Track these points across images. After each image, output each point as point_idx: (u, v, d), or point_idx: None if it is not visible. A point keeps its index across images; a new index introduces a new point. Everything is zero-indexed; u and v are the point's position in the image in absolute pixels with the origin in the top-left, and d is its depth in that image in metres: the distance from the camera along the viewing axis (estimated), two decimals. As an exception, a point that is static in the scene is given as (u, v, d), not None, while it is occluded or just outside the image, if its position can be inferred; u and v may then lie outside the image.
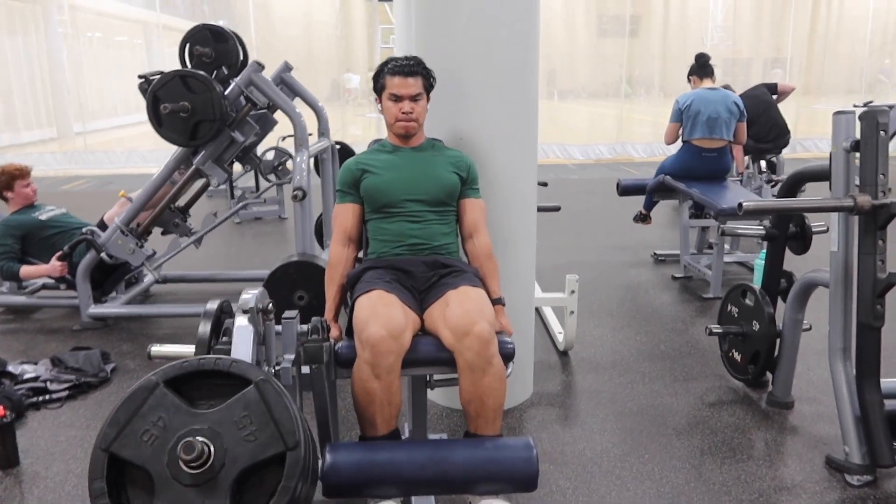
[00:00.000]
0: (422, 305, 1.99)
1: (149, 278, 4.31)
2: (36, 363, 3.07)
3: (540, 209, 4.00)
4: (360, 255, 2.28)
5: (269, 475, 1.25)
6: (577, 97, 11.64)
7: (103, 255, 3.59)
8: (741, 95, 5.50)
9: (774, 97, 5.57)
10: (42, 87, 12.37)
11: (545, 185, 4.68)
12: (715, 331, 2.89)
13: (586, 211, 6.54)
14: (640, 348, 3.33)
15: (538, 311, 3.77)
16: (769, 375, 2.77)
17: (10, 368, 3.00)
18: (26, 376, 2.95)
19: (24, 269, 3.69)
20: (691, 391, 2.88)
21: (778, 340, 2.68)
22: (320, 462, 1.61)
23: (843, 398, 2.27)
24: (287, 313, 1.76)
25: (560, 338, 3.32)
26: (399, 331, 1.80)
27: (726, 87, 5.27)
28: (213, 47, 3.62)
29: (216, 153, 3.51)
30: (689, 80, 4.33)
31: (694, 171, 4.17)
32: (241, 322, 1.61)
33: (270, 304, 1.66)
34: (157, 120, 3.30)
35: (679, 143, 4.27)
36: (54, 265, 3.63)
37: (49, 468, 2.36)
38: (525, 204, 2.64)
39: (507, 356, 1.92)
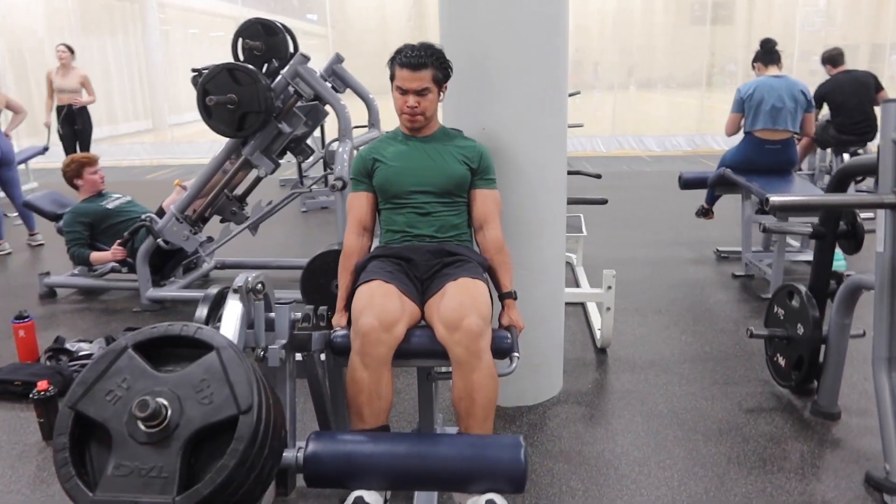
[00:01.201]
0: (423, 296, 1.98)
1: (208, 264, 4.52)
2: (91, 342, 3.26)
3: (586, 202, 3.93)
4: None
5: (224, 440, 1.26)
6: (657, 87, 11.22)
7: (160, 241, 3.77)
8: (841, 73, 5.19)
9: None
10: (139, 82, 13.13)
11: (599, 176, 4.58)
12: (756, 333, 2.72)
13: (652, 205, 6.32)
14: (683, 349, 3.19)
15: (582, 307, 3.68)
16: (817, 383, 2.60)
17: (68, 345, 3.20)
18: (81, 353, 3.14)
19: (94, 255, 3.92)
20: (730, 396, 2.73)
21: (824, 346, 2.50)
22: (301, 451, 1.62)
23: (886, 411, 2.10)
24: (280, 300, 1.80)
25: (599, 335, 3.23)
26: (391, 322, 1.80)
27: None
28: (264, 40, 3.71)
29: (264, 144, 3.60)
30: (754, 67, 4.09)
31: (756, 163, 3.94)
32: (231, 302, 1.66)
33: (260, 284, 1.69)
34: (207, 111, 3.42)
35: (741, 135, 4.05)
36: (116, 250, 3.85)
37: (87, 440, 2.50)
38: (552, 195, 2.57)
39: (504, 351, 1.88)
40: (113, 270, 4.11)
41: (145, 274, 3.88)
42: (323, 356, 1.91)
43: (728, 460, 2.29)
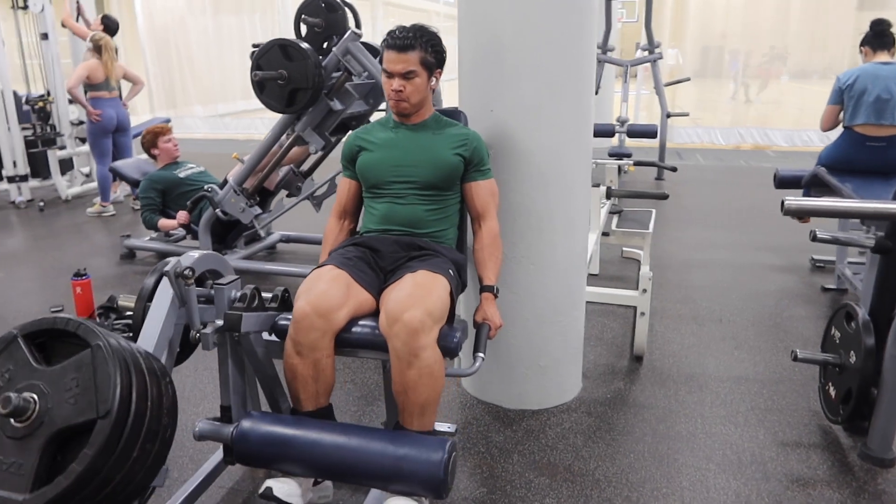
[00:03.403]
0: (384, 286, 1.87)
1: (273, 237, 4.64)
2: (139, 302, 3.42)
3: (644, 195, 3.62)
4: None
5: (86, 442, 1.24)
6: (789, 76, 10.17)
7: (218, 211, 3.90)
8: None
9: None
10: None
11: (674, 169, 4.23)
12: (802, 356, 2.37)
13: (755, 204, 5.75)
14: (730, 365, 2.86)
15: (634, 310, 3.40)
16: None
17: (120, 303, 3.38)
18: (127, 312, 3.30)
19: (161, 221, 4.13)
20: (766, 424, 2.40)
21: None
22: (233, 429, 1.60)
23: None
24: (220, 280, 1.76)
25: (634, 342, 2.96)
26: (328, 309, 1.71)
27: None
28: (325, 17, 3.70)
29: (315, 121, 3.61)
30: (861, 52, 3.55)
31: (855, 163, 3.44)
32: (163, 285, 1.65)
33: (188, 270, 1.66)
34: (259, 86, 3.47)
35: (840, 130, 3.55)
36: (180, 216, 4.03)
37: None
38: (569, 184, 2.35)
39: (450, 351, 1.73)
40: (183, 237, 4.32)
41: (206, 242, 4.03)
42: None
43: (737, 498, 2.01)
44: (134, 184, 4.53)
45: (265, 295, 1.86)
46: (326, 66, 3.47)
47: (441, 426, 2.35)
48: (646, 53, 6.55)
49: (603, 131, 5.62)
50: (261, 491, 1.61)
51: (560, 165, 2.31)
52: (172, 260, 1.69)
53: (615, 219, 4.15)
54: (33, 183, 6.21)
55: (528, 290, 2.38)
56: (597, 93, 6.45)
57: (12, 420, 1.25)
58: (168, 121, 7.28)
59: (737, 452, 2.24)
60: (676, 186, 6.34)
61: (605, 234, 3.80)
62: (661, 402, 2.56)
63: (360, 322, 1.78)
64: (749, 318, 3.37)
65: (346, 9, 3.74)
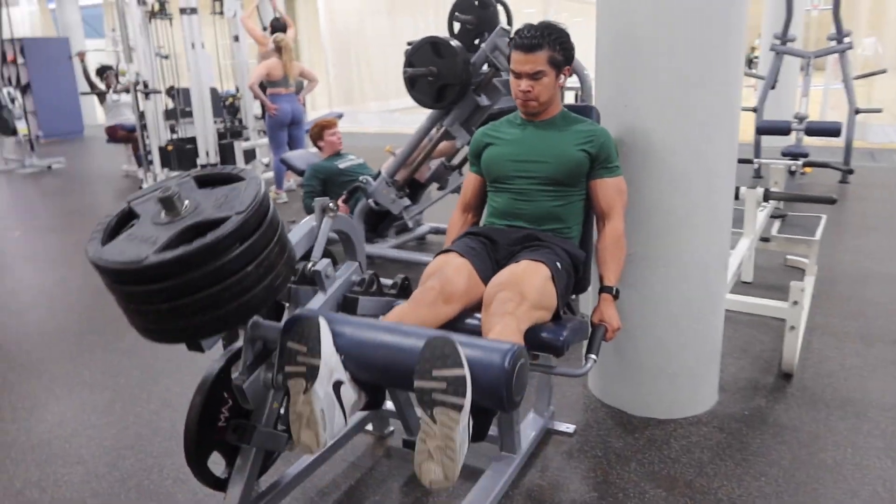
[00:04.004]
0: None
1: (422, 228, 4.81)
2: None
3: (808, 199, 3.31)
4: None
5: None
6: None
7: (370, 201, 4.11)
8: None
9: None
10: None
11: (851, 172, 3.82)
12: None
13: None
14: (898, 393, 2.54)
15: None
16: None
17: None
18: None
19: (320, 207, 4.43)
20: (932, 463, 2.11)
21: None
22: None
23: None
24: (348, 262, 1.88)
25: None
26: (451, 295, 1.77)
27: None
28: (477, 14, 3.76)
29: (462, 116, 3.69)
30: None
31: None
32: (308, 217, 1.83)
33: (331, 203, 1.83)
34: (411, 82, 3.61)
35: None
36: (338, 206, 4.30)
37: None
38: (710, 184, 2.21)
39: (555, 348, 1.71)
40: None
41: (360, 230, 4.27)
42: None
43: (881, 541, 1.80)
44: (300, 173, 4.90)
45: (385, 281, 1.95)
46: (475, 62, 3.54)
47: (560, 426, 2.34)
48: (833, 43, 5.93)
49: (776, 128, 5.18)
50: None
51: (703, 162, 2.18)
52: (321, 199, 1.85)
53: (777, 223, 3.84)
54: (222, 171, 6.92)
55: (661, 293, 2.28)
56: (774, 87, 5.98)
57: (162, 212, 1.40)
58: (341, 115, 7.78)
59: (891, 491, 1.99)
60: (863, 190, 5.69)
61: (764, 239, 3.53)
62: (806, 426, 2.34)
63: (472, 314, 1.82)
64: (931, 342, 2.96)
65: (499, 5, 3.78)
